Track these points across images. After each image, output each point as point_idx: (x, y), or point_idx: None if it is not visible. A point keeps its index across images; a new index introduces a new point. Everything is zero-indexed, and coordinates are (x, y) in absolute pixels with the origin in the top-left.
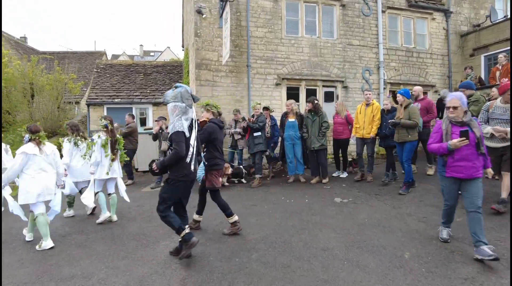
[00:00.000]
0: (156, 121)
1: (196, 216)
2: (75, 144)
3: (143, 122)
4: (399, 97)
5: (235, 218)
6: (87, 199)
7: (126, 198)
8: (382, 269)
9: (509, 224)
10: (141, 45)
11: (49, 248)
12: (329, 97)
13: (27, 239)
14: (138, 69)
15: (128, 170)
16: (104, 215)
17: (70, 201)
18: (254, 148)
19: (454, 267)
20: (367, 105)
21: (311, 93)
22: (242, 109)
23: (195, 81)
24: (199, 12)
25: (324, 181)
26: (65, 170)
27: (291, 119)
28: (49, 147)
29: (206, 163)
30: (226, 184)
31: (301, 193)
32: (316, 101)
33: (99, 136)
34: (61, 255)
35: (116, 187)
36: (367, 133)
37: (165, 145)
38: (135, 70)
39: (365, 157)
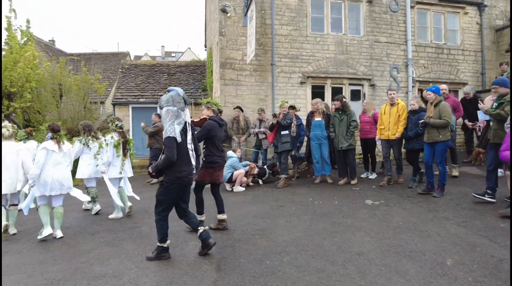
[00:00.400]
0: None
1: (219, 216)
2: (85, 144)
3: None
4: (430, 95)
5: (203, 218)
6: (79, 193)
7: (136, 197)
8: (423, 276)
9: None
10: (162, 46)
11: (48, 235)
12: (355, 95)
13: (58, 236)
14: (162, 69)
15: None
16: (118, 214)
17: (94, 196)
18: (280, 147)
19: (505, 277)
20: (392, 105)
21: (337, 92)
22: (266, 108)
23: (219, 80)
24: (223, 11)
25: (352, 182)
26: None
27: (318, 118)
28: (66, 145)
29: (204, 159)
30: (251, 184)
31: (329, 194)
32: (344, 99)
33: (112, 137)
34: (91, 253)
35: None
36: (393, 134)
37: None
38: (159, 70)
39: (393, 158)
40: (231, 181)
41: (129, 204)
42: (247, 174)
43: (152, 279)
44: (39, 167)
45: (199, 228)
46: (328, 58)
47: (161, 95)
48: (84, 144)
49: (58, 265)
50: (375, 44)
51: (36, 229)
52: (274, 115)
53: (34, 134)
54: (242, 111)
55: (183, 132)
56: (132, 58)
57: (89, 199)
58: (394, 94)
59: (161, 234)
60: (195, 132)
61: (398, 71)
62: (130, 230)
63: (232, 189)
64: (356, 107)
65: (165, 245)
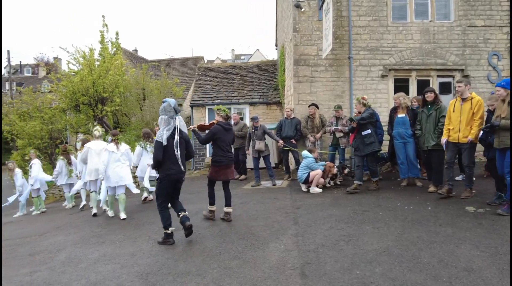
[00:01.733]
0: (251, 120)
1: (225, 208)
2: (144, 147)
3: None
4: (500, 91)
5: (214, 208)
6: (132, 187)
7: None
8: None
9: None
10: (232, 50)
11: (111, 217)
12: (445, 88)
13: (110, 215)
14: (235, 71)
15: (244, 167)
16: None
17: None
18: (365, 149)
19: None
20: (463, 100)
21: (423, 85)
22: (344, 105)
23: (293, 77)
24: (297, 6)
25: (432, 189)
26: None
27: (401, 114)
28: (123, 146)
29: (211, 158)
30: (328, 185)
31: (420, 199)
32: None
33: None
34: (175, 249)
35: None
36: (464, 136)
37: (258, 144)
38: (232, 72)
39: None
40: (307, 182)
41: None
42: (324, 175)
43: (235, 280)
44: (105, 164)
45: (180, 212)
46: (413, 48)
47: (235, 96)
48: (143, 147)
49: (146, 259)
50: (469, 29)
51: (125, 224)
52: (351, 120)
53: (120, 136)
54: (318, 108)
55: (171, 136)
56: (205, 62)
57: (138, 191)
58: (463, 86)
59: (164, 222)
60: (201, 136)
61: (499, 59)
62: (210, 227)
63: (308, 190)
64: (446, 102)
65: (168, 232)
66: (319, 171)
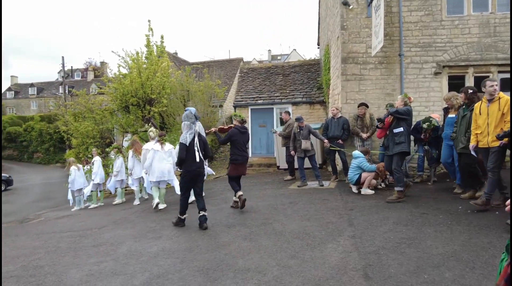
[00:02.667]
0: (295, 120)
1: (234, 197)
2: None
3: (282, 122)
4: None
5: (240, 193)
6: (176, 184)
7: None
8: None
9: None
10: (269, 50)
11: (156, 206)
12: (508, 84)
13: (160, 207)
14: (277, 71)
15: (291, 167)
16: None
17: None
18: (394, 148)
19: None
20: (490, 101)
21: (481, 82)
22: (395, 104)
23: (341, 76)
24: (345, 3)
25: (464, 195)
26: None
27: (452, 115)
28: (168, 146)
29: (230, 157)
30: (380, 186)
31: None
32: (470, 91)
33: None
34: (231, 246)
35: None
36: (494, 140)
37: (305, 143)
38: (274, 72)
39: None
40: (358, 183)
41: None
42: (375, 176)
43: (296, 279)
44: (150, 162)
45: (200, 211)
46: (470, 43)
47: (277, 96)
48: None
49: (204, 254)
50: None
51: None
52: (380, 120)
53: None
54: (367, 107)
55: (192, 139)
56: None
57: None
58: (496, 85)
59: (181, 209)
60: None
61: None
62: (263, 226)
63: (359, 192)
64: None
65: (182, 217)
66: (372, 172)
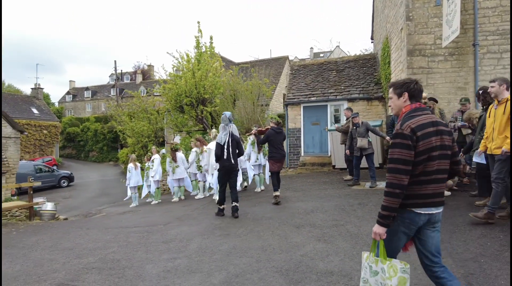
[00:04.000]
0: (352, 117)
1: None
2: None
3: (337, 119)
4: None
5: (278, 193)
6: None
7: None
8: None
9: None
10: (311, 48)
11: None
12: None
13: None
14: (330, 67)
15: (350, 167)
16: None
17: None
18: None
19: None
20: (499, 102)
21: None
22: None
23: (406, 70)
24: None
25: (477, 202)
26: None
27: None
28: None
29: (268, 154)
30: (455, 188)
31: None
32: (481, 91)
33: (251, 138)
34: (306, 246)
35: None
36: (496, 146)
37: (361, 141)
38: (327, 68)
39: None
40: None
41: (262, 187)
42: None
43: None
44: (213, 160)
45: (233, 202)
46: None
47: (332, 93)
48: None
49: (279, 255)
50: None
51: (242, 218)
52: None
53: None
54: (437, 102)
55: (227, 139)
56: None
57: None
58: (498, 86)
59: (220, 200)
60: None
61: None
62: (335, 227)
63: None
64: None
65: (221, 207)
66: None
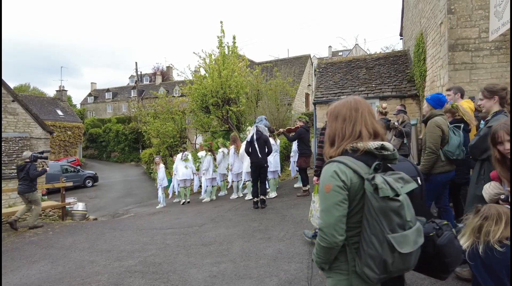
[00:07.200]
0: (394, 115)
1: (303, 187)
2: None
3: None
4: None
5: (307, 188)
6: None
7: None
8: None
9: None
10: (329, 46)
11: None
12: None
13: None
14: (359, 64)
15: None
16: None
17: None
18: None
19: None
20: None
21: None
22: None
23: (447, 66)
24: None
25: None
26: None
27: None
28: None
29: (298, 151)
30: None
31: None
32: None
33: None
34: None
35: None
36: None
37: (393, 141)
38: (356, 65)
39: None
40: None
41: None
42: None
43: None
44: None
45: (260, 196)
46: None
47: (362, 91)
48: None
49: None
50: None
51: (280, 220)
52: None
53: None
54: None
55: (254, 138)
56: (315, 60)
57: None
58: (453, 95)
59: (253, 193)
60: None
61: None
62: None
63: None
64: None
65: (254, 200)
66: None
